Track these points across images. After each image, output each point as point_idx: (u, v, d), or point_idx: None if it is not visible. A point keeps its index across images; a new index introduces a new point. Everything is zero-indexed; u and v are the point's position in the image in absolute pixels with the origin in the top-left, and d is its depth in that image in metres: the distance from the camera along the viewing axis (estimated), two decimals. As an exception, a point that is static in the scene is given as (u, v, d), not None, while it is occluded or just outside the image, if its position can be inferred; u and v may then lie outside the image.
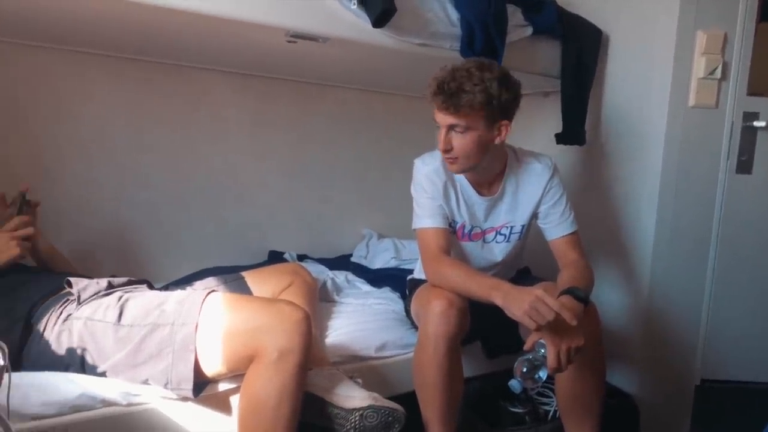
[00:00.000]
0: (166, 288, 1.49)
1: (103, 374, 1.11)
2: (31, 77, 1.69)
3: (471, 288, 1.27)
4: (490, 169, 1.41)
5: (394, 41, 1.37)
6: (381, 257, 2.18)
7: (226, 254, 2.01)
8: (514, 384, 1.16)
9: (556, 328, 1.15)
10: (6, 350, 0.73)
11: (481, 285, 1.25)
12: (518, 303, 1.16)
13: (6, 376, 0.75)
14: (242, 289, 1.49)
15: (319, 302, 1.62)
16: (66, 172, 1.77)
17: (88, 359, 1.12)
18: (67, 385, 1.08)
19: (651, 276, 1.70)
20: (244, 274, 1.55)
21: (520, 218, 1.47)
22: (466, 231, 1.46)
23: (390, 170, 2.44)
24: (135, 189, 1.88)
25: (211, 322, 1.11)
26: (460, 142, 1.29)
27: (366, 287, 1.91)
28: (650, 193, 1.68)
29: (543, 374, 1.16)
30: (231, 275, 1.55)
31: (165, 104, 1.91)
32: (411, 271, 1.86)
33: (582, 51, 1.71)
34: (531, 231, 1.54)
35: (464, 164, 1.33)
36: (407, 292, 1.70)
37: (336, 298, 1.78)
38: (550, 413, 1.54)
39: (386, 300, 1.78)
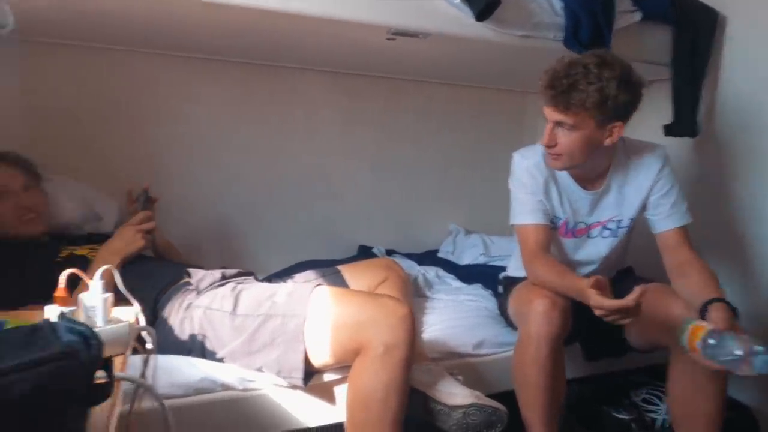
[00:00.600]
0: (268, 280, 1.56)
1: (221, 360, 1.19)
2: (144, 83, 1.83)
3: (562, 287, 1.23)
4: (595, 166, 1.35)
5: (496, 34, 1.34)
6: (469, 253, 2.15)
7: (318, 248, 2.08)
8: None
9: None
10: (154, 334, 0.79)
11: (572, 286, 1.20)
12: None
13: (152, 357, 0.81)
14: (339, 282, 1.52)
15: (413, 298, 1.63)
16: (173, 171, 1.90)
17: (208, 345, 1.20)
18: (190, 369, 1.16)
19: (774, 280, 1.56)
20: (340, 268, 1.60)
21: (628, 211, 1.39)
22: (569, 227, 1.41)
23: (477, 165, 2.41)
24: (234, 186, 1.99)
25: (320, 314, 1.15)
26: (566, 139, 1.24)
27: (456, 283, 1.90)
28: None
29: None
30: (328, 269, 1.60)
31: (261, 104, 2.00)
32: (502, 268, 1.83)
33: (696, 36, 1.59)
34: (636, 229, 1.46)
35: (568, 162, 1.28)
36: (501, 290, 1.67)
37: (427, 293, 1.78)
38: (658, 422, 1.46)
39: (478, 297, 1.76)
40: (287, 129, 2.05)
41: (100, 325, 0.69)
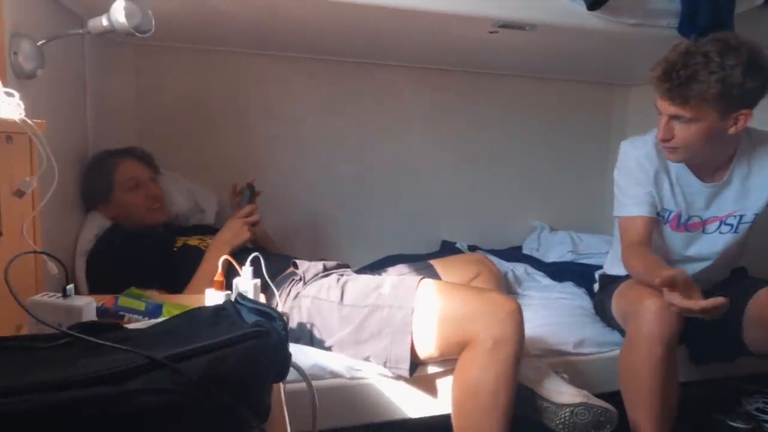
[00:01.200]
0: (360, 272, 1.59)
1: (329, 348, 1.22)
2: (245, 82, 1.91)
3: (646, 280, 1.18)
4: (717, 156, 1.28)
5: (607, 23, 1.30)
6: (556, 250, 2.10)
7: (403, 243, 2.09)
8: None
9: None
10: (287, 321, 0.83)
11: (653, 277, 1.12)
12: None
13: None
14: (433, 276, 1.53)
15: (505, 293, 1.61)
16: (269, 166, 1.97)
17: (316, 334, 1.24)
18: (300, 356, 1.20)
19: None
20: (431, 262, 1.60)
21: (753, 206, 1.30)
22: (682, 221, 1.34)
23: (561, 161, 2.35)
24: (326, 181, 2.04)
25: (426, 306, 1.16)
26: (684, 132, 1.17)
27: (546, 281, 1.86)
28: None
29: None
30: (420, 263, 1.61)
31: (352, 101, 2.04)
32: (592, 266, 1.78)
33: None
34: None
35: (685, 154, 1.22)
36: (597, 288, 1.62)
37: (518, 290, 1.76)
38: (778, 433, 1.36)
39: (571, 295, 1.71)
40: (375, 124, 2.08)
41: (252, 309, 0.73)
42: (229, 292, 0.72)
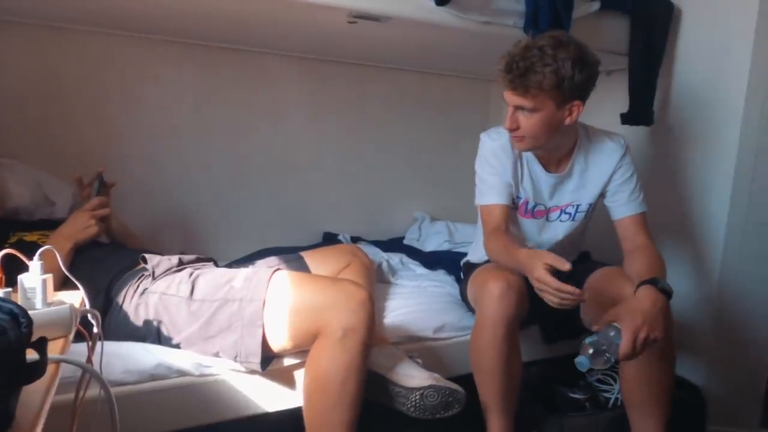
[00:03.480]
0: (229, 266, 1.54)
1: (177, 346, 1.17)
2: (101, 63, 1.77)
3: (505, 259, 1.29)
4: (559, 147, 1.38)
5: (457, 19, 1.35)
6: (434, 240, 2.17)
7: (283, 235, 2.06)
8: (582, 361, 1.09)
9: (633, 312, 1.10)
10: (99, 318, 0.78)
11: (509, 258, 1.26)
12: (529, 276, 1.18)
13: (99, 343, 0.79)
14: (302, 268, 1.52)
15: (376, 283, 1.64)
16: (133, 155, 1.85)
17: (164, 331, 1.18)
18: (146, 355, 1.14)
19: (722, 264, 1.62)
20: (303, 254, 1.59)
21: (587, 196, 1.42)
22: (529, 207, 1.43)
23: (443, 153, 2.43)
24: (197, 171, 1.95)
25: (278, 298, 1.14)
26: (528, 122, 1.25)
27: (420, 269, 1.92)
28: (724, 178, 1.60)
29: (612, 358, 1.11)
30: (291, 255, 1.59)
31: (226, 88, 1.96)
32: (465, 255, 1.85)
33: (652, 27, 1.63)
34: (594, 213, 1.49)
35: (531, 143, 1.30)
36: (462, 276, 1.69)
37: (391, 279, 1.79)
38: (611, 400, 1.51)
39: (441, 283, 1.78)
40: (252, 114, 2.02)
41: (38, 307, 0.67)
42: (9, 289, 0.66)
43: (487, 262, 1.46)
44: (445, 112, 2.41)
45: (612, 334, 1.11)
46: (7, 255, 0.67)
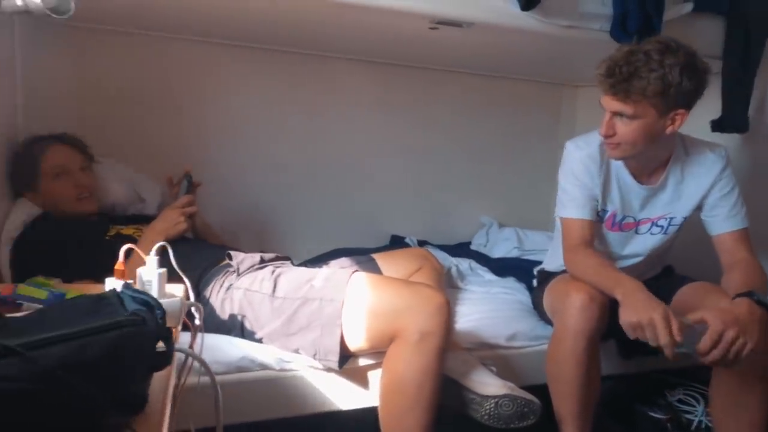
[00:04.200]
0: (303, 265, 1.59)
1: (259, 340, 1.22)
2: (189, 70, 1.87)
3: (599, 280, 1.22)
4: (654, 158, 1.31)
5: (541, 24, 1.32)
6: (502, 246, 2.14)
7: (351, 236, 2.10)
8: None
9: (724, 311, 1.04)
10: (202, 310, 0.82)
11: (608, 278, 1.19)
12: (632, 310, 1.09)
13: (200, 335, 0.84)
14: (374, 270, 1.53)
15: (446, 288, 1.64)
16: (215, 156, 1.94)
17: (247, 325, 1.23)
18: (231, 348, 1.20)
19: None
20: (374, 256, 1.61)
21: (683, 209, 1.35)
22: (616, 220, 1.38)
23: (511, 158, 2.39)
24: (273, 172, 2.03)
25: (357, 299, 1.16)
26: (625, 129, 1.20)
27: (489, 276, 1.90)
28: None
29: (689, 349, 1.03)
30: (362, 257, 1.61)
31: (301, 92, 2.02)
32: (535, 262, 1.81)
33: (750, 28, 1.53)
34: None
35: (626, 151, 1.25)
36: (536, 284, 1.66)
37: (460, 284, 1.78)
38: (695, 423, 1.43)
39: (512, 290, 1.75)
40: (324, 117, 2.07)
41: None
42: (131, 281, 0.71)
43: (564, 271, 1.42)
44: (515, 117, 2.37)
45: (696, 327, 1.03)
46: (127, 249, 0.73)
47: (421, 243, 2.17)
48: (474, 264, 1.96)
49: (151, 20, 1.66)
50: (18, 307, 0.74)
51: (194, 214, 1.46)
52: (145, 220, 1.60)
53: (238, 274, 1.29)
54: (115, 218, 1.58)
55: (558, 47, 1.54)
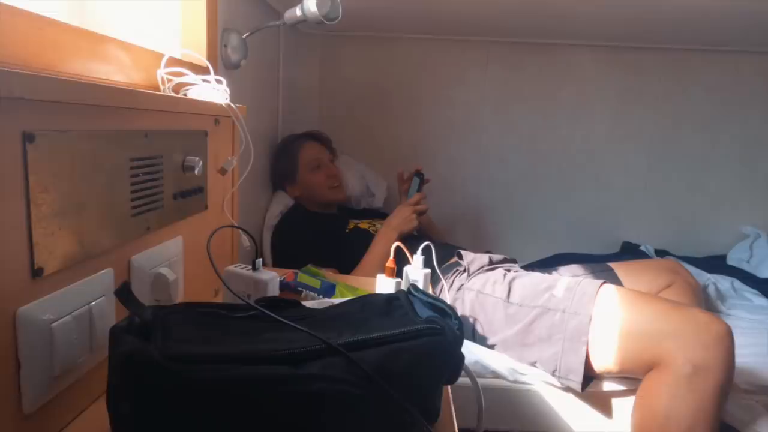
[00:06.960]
0: (528, 269, 1.49)
1: (491, 347, 1.16)
2: (419, 67, 1.92)
3: None
4: None
5: None
6: (773, 264, 1.72)
7: (574, 240, 1.93)
8: None
9: None
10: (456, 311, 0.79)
11: None
12: None
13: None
14: (614, 282, 1.35)
15: (704, 310, 1.37)
16: (438, 151, 1.96)
17: (479, 330, 1.18)
18: (465, 352, 1.16)
19: None
20: (612, 265, 1.43)
21: None
22: None
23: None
24: (494, 168, 1.96)
25: (607, 316, 1.03)
26: None
27: (759, 300, 1.53)
28: None
29: None
30: (598, 265, 1.45)
31: (529, 85, 1.91)
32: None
33: None
34: None
35: None
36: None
37: (721, 308, 1.48)
38: None
39: (796, 321, 1.38)
40: (553, 111, 1.93)
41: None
42: (399, 279, 0.71)
43: None
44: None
45: None
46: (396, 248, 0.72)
47: (660, 252, 1.88)
48: (738, 284, 1.61)
49: (386, 21, 1.73)
50: (298, 293, 0.81)
51: (425, 211, 1.47)
52: (375, 214, 1.70)
53: (469, 275, 1.26)
54: (351, 212, 1.70)
55: None
